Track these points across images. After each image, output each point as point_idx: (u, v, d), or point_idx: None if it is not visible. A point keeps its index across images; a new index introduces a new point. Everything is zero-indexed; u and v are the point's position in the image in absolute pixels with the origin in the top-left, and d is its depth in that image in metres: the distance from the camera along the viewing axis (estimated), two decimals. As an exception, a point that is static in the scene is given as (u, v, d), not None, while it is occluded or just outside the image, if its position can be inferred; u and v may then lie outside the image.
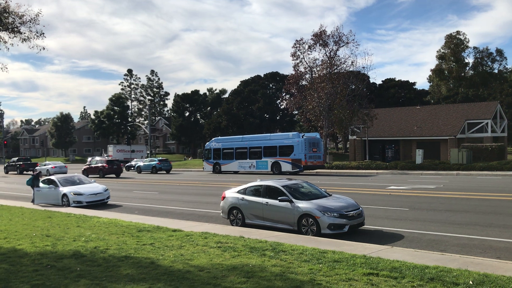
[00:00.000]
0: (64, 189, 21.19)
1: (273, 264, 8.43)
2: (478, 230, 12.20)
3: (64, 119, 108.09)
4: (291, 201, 12.60)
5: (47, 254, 9.87)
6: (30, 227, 13.69)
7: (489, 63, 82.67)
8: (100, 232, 12.50)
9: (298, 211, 12.36)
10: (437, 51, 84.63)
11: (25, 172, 56.14)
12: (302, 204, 12.40)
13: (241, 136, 46.27)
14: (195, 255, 9.35)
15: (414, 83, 77.61)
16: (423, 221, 13.85)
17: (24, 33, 15.17)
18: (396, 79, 77.85)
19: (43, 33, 15.30)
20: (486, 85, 79.84)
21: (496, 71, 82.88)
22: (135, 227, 13.14)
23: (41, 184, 22.63)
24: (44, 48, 15.67)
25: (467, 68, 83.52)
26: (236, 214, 14.09)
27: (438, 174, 34.71)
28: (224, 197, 14.60)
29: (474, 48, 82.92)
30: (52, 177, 22.75)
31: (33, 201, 22.07)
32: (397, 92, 74.19)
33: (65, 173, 45.08)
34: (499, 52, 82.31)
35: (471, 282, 6.97)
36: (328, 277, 7.51)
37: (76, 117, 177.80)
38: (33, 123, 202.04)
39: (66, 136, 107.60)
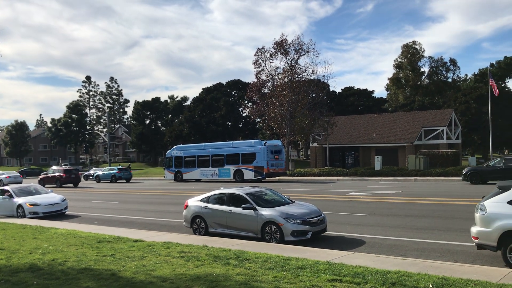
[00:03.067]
0: (19, 200, 20.39)
1: (237, 273, 8.37)
2: (436, 235, 12.54)
3: (19, 127, 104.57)
4: (254, 209, 12.58)
5: (1, 268, 9.43)
6: (-17, 240, 13.10)
7: (444, 72, 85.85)
8: (58, 244, 12.09)
9: (262, 219, 12.36)
10: (394, 60, 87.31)
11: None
12: (266, 212, 12.40)
13: (203, 144, 46.02)
14: (158, 266, 9.17)
15: (372, 91, 79.65)
16: (383, 227, 14.12)
17: (-23, 38, 14.60)
18: (355, 88, 79.78)
19: (-3, 38, 14.77)
20: (441, 93, 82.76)
21: (450, 80, 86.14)
22: (95, 238, 12.79)
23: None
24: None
25: (423, 77, 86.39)
26: (199, 223, 13.94)
27: (397, 180, 35.57)
28: (186, 206, 14.43)
29: (429, 57, 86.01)
30: (6, 187, 21.89)
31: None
32: (356, 100, 75.89)
33: (20, 183, 43.48)
34: (453, 61, 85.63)
35: (431, 286, 7.14)
36: (292, 284, 7.52)
37: (32, 125, 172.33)
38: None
39: (21, 145, 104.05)
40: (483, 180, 29.55)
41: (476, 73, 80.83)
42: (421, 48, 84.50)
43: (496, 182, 10.94)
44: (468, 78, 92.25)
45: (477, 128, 63.07)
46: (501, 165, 28.91)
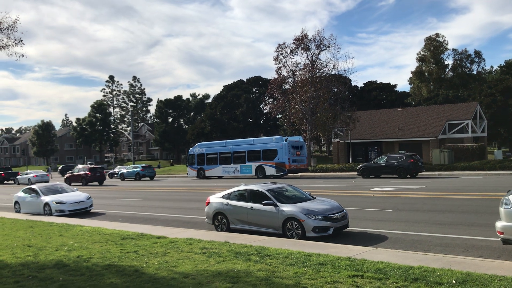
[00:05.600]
0: (46, 198, 20.87)
1: (259, 269, 8.41)
2: (460, 230, 12.34)
3: (45, 127, 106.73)
4: (275, 205, 12.59)
5: (29, 264, 9.70)
6: (11, 238, 13.45)
7: (468, 64, 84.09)
8: (83, 241, 12.34)
9: (283, 215, 12.36)
10: (417, 54, 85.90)
11: (5, 182, 55.23)
12: (287, 208, 12.40)
13: (224, 141, 46.20)
14: (180, 262, 9.28)
15: (395, 85, 78.51)
16: (406, 222, 13.97)
17: (2, 40, 14.99)
18: (378, 82, 78.74)
19: (22, 40, 15.16)
20: (466, 86, 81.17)
21: (475, 72, 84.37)
22: (119, 235, 13.01)
23: (22, 193, 22.29)
24: (23, 56, 15.50)
25: (447, 69, 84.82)
26: (221, 219, 14.03)
27: (421, 175, 35.02)
28: (208, 203, 14.53)
29: (453, 50, 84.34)
30: (33, 186, 22.40)
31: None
32: (379, 94, 74.95)
33: (47, 181, 44.46)
34: (478, 53, 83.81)
35: (454, 281, 7.05)
36: (313, 280, 7.52)
37: (57, 125, 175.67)
38: (13, 132, 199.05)
39: (47, 144, 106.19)
40: (374, 174, 33.85)
41: (502, 64, 78.97)
42: (444, 40, 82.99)
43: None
44: (493, 70, 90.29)
45: (504, 121, 61.67)
46: (384, 162, 33.23)
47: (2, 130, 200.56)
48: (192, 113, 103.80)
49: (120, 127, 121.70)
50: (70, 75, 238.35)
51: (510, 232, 8.88)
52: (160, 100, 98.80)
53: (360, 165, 36.16)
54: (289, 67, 50.11)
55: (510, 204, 8.94)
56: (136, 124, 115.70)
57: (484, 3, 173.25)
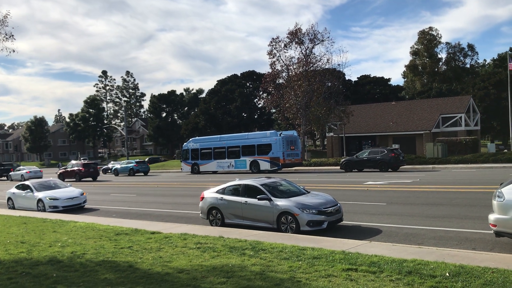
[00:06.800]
0: (39, 194, 20.75)
1: (253, 263, 8.41)
2: (454, 223, 12.40)
3: (38, 123, 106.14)
4: (270, 200, 12.59)
5: (22, 261, 9.64)
6: (4, 234, 13.38)
7: (461, 58, 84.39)
8: (77, 237, 12.29)
9: (277, 209, 12.37)
10: (411, 47, 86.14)
11: (-2, 178, 54.92)
12: (281, 202, 12.41)
13: (219, 135, 46.13)
14: (174, 257, 9.27)
15: (389, 79, 78.70)
16: (400, 215, 14.02)
17: (-8, 34, 14.82)
18: (371, 76, 78.88)
19: (13, 35, 14.98)
20: (459, 79, 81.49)
21: (468, 65, 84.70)
22: (113, 231, 12.96)
23: (15, 190, 22.16)
24: (14, 51, 15.32)
25: (440, 63, 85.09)
26: (215, 214, 14.02)
27: (415, 168, 35.22)
28: (203, 198, 14.50)
29: (447, 43, 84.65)
30: (26, 182, 22.27)
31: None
32: (373, 88, 75.09)
33: (40, 177, 44.23)
34: (471, 47, 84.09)
35: (447, 274, 7.08)
36: (307, 274, 7.53)
37: (50, 121, 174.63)
38: (6, 128, 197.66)
39: (40, 140, 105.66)
40: (357, 168, 34.44)
41: (495, 58, 79.31)
42: (438, 34, 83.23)
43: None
44: (486, 63, 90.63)
45: (497, 114, 62.01)
46: (366, 156, 33.81)
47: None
48: (186, 108, 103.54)
49: (113, 122, 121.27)
50: (63, 70, 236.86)
51: (502, 225, 8.93)
52: (154, 95, 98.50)
53: (343, 159, 36.68)
54: (283, 61, 50.08)
55: (502, 196, 8.99)
56: (130, 119, 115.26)
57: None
